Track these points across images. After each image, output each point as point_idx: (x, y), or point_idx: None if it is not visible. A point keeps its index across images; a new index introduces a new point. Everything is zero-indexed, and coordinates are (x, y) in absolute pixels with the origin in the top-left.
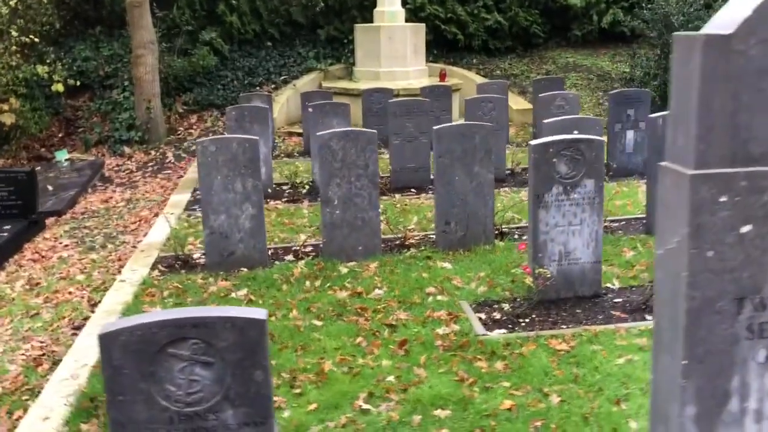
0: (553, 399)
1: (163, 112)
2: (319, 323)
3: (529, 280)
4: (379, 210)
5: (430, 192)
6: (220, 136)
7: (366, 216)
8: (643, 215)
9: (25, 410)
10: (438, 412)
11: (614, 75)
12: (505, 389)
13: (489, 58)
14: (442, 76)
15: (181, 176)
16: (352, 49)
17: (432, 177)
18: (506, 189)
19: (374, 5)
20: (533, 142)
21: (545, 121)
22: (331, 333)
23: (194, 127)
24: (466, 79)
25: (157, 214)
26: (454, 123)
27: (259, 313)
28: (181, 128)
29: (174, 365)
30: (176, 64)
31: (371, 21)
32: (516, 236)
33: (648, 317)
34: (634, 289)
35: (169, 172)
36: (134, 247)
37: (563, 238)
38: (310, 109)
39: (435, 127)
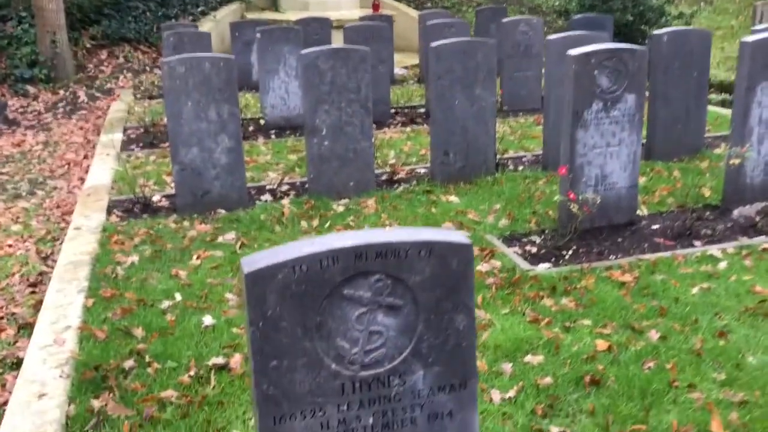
0: (651, 336)
1: (68, 46)
2: None
3: (574, 208)
4: (372, 139)
5: (393, 126)
6: (190, 54)
7: (358, 147)
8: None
9: (3, 386)
10: (529, 359)
11: (545, 8)
12: (589, 328)
13: None
14: (376, 6)
15: (100, 117)
16: None
17: (393, 110)
18: None
19: None
20: (573, 53)
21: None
22: None
23: (105, 63)
24: (399, 12)
25: (86, 157)
26: (453, 39)
27: (459, 236)
28: (91, 65)
29: (349, 312)
30: None
31: None
32: (511, 167)
33: (696, 243)
34: (665, 215)
35: (84, 112)
36: (71, 192)
37: (600, 160)
38: (259, 36)
39: (433, 44)
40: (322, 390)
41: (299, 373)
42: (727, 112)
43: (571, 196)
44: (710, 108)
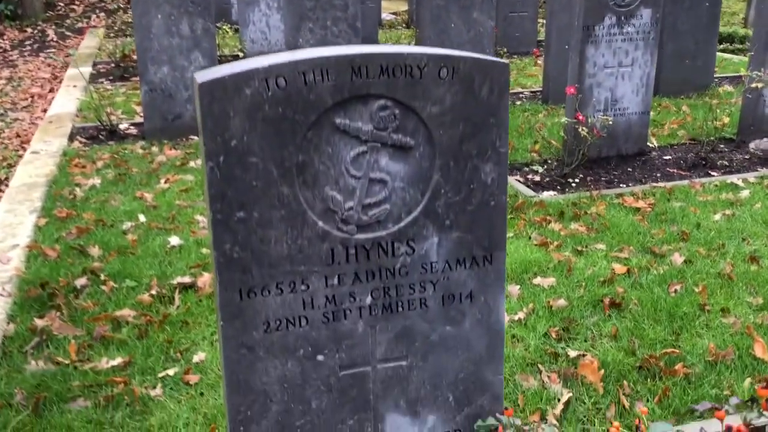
0: (675, 259)
1: None
2: None
3: (583, 131)
4: None
5: None
6: None
7: None
8: None
9: None
10: (539, 281)
11: None
12: (604, 252)
13: None
14: None
15: (69, 55)
16: None
17: None
18: None
19: None
20: None
21: None
22: None
23: (77, 2)
24: None
25: (52, 90)
26: None
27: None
28: (62, 3)
29: (343, 151)
30: None
31: None
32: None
33: (713, 173)
34: (676, 147)
35: (52, 50)
36: (33, 123)
37: (611, 82)
38: None
39: None
40: (306, 256)
41: (275, 230)
42: (731, 56)
43: (580, 117)
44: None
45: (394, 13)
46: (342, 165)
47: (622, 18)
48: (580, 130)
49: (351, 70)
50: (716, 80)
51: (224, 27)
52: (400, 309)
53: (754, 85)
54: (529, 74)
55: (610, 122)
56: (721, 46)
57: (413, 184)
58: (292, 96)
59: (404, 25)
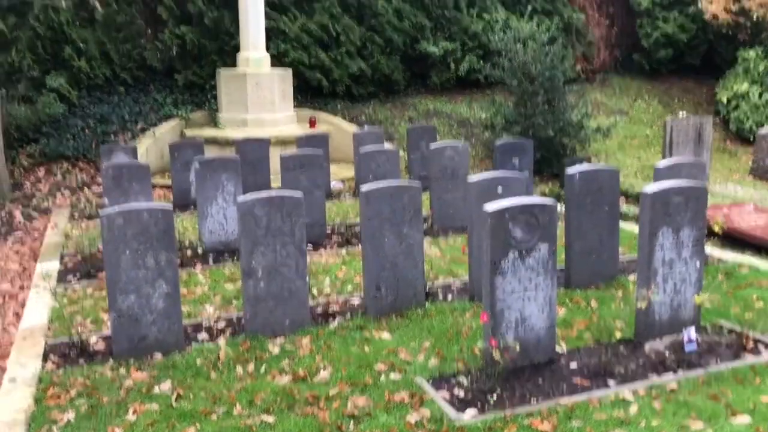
0: None
1: (5, 165)
2: (270, 419)
3: (496, 354)
4: (307, 279)
5: (328, 248)
6: (128, 206)
7: (293, 286)
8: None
9: None
10: None
11: (472, 121)
12: None
13: (353, 104)
14: (312, 123)
15: (36, 239)
16: (214, 95)
17: (329, 229)
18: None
19: (235, 50)
20: (489, 208)
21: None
22: (291, 431)
23: (43, 181)
24: (334, 126)
25: (22, 288)
26: (382, 183)
27: None
28: (28, 183)
29: None
30: (18, 113)
31: (233, 65)
32: (440, 296)
33: (611, 382)
34: (582, 351)
35: (20, 234)
36: (5, 330)
37: (519, 304)
38: (197, 165)
39: (362, 188)
40: None
41: None
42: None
43: (493, 343)
44: (626, 227)
45: (342, 180)
46: None
47: (524, 252)
48: (493, 354)
49: None
50: (625, 263)
51: (184, 221)
52: None
53: (640, 305)
54: (461, 260)
55: (518, 348)
56: (638, 210)
57: None
58: None
59: (351, 192)
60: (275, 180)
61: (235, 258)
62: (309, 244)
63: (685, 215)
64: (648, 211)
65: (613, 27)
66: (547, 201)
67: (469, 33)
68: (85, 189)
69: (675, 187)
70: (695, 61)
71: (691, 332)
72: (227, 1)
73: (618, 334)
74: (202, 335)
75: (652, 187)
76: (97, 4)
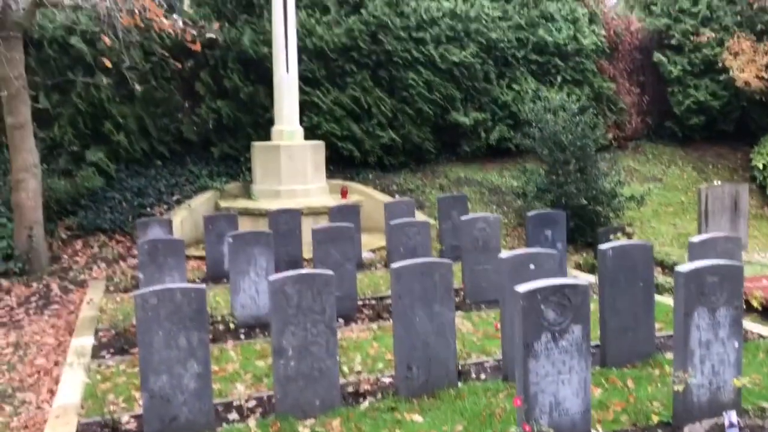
0: None
1: (44, 238)
2: None
3: None
4: (337, 357)
5: (359, 322)
6: (161, 287)
7: (323, 366)
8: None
9: None
10: None
11: (504, 189)
12: None
13: (384, 174)
14: (344, 193)
15: (72, 312)
16: (248, 167)
17: (360, 302)
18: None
19: (269, 123)
20: (521, 290)
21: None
22: None
23: (80, 253)
24: (366, 196)
25: (57, 363)
26: (413, 260)
27: None
28: (65, 255)
29: None
30: (58, 187)
31: (267, 138)
32: (473, 375)
33: None
34: None
35: (56, 307)
36: (39, 407)
37: (553, 388)
38: (230, 240)
39: (393, 266)
40: None
41: None
42: (669, 300)
43: (527, 428)
44: (662, 300)
45: (373, 251)
46: None
47: (557, 334)
48: None
49: None
50: (662, 340)
51: (217, 296)
52: None
53: (677, 387)
54: (494, 335)
55: None
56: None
57: None
58: None
59: (383, 263)
60: (307, 251)
61: (267, 333)
62: (340, 319)
63: (721, 295)
64: (682, 291)
65: (644, 95)
66: (580, 281)
67: (499, 103)
68: (121, 262)
69: (709, 266)
70: (729, 128)
71: (732, 416)
72: (262, 76)
73: (655, 418)
74: (233, 415)
75: (685, 267)
76: (137, 86)
